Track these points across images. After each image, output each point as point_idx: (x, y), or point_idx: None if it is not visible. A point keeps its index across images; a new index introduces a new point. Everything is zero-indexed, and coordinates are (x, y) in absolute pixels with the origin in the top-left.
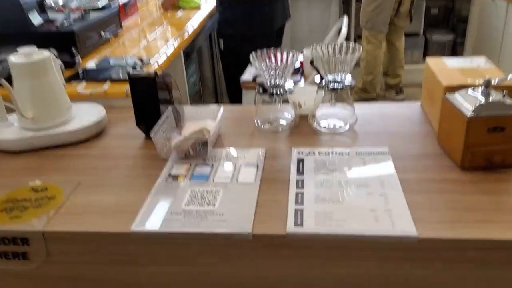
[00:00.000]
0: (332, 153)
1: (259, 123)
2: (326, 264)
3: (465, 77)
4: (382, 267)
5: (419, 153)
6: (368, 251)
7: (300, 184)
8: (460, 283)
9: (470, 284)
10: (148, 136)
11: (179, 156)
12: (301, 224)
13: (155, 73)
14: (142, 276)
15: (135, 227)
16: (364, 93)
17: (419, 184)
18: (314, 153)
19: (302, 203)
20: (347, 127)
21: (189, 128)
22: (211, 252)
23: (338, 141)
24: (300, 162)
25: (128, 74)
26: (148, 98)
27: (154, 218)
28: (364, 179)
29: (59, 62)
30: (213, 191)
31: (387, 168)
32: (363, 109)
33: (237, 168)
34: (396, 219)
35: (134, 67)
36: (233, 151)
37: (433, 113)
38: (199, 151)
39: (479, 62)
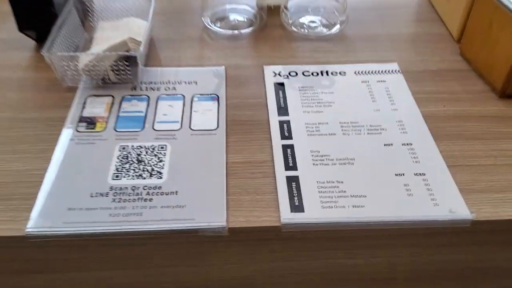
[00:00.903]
0: (322, 73)
1: (208, 21)
2: (335, 256)
3: None
4: (412, 255)
5: (437, 70)
6: (397, 238)
7: (286, 129)
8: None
9: None
10: (41, 46)
11: (94, 83)
12: (301, 208)
13: None
14: (60, 284)
15: (32, 227)
16: None
17: (450, 124)
18: (296, 73)
19: (295, 165)
20: (336, 28)
21: (105, 35)
22: (164, 252)
23: (326, 51)
24: (279, 89)
25: None
26: None
27: (63, 208)
28: (375, 118)
29: None
30: (155, 149)
31: (403, 97)
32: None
33: (187, 102)
34: (436, 190)
35: None
36: (177, 72)
37: (450, 8)
38: (124, 74)
39: None
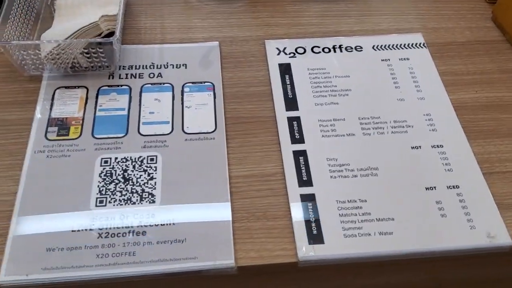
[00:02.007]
0: (335, 48)
1: None
2: (354, 277)
3: None
4: (434, 273)
5: (466, 41)
6: (425, 263)
7: (296, 129)
8: None
9: None
10: None
11: (62, 71)
12: (320, 238)
13: None
14: None
15: (4, 275)
16: None
17: (484, 116)
18: (304, 49)
19: (309, 179)
20: None
21: (70, 2)
22: None
23: (336, 16)
24: (285, 73)
25: None
26: None
27: (40, 249)
28: (399, 110)
29: None
30: (144, 161)
31: (429, 79)
32: None
33: (176, 95)
34: (471, 207)
35: None
36: (161, 51)
37: None
38: (97, 59)
39: None
